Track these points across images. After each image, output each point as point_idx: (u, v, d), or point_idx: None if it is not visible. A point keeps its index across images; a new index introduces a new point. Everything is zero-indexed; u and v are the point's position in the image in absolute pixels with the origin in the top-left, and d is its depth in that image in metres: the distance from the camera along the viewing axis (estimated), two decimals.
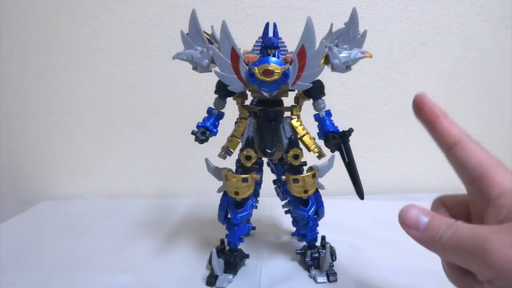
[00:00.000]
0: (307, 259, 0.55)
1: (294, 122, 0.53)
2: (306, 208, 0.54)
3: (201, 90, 0.88)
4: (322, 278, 0.53)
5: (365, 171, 0.60)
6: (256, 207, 0.59)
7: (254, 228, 0.67)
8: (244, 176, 0.52)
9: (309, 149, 0.53)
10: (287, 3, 0.85)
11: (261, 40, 0.49)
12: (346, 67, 0.50)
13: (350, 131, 0.50)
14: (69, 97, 0.91)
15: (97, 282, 0.55)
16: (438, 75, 0.89)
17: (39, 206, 0.88)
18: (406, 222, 0.30)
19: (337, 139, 0.50)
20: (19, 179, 0.96)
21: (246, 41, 0.53)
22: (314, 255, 0.55)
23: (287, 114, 0.54)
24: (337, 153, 0.52)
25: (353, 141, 0.51)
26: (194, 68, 0.51)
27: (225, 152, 0.54)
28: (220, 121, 0.53)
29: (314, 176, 0.53)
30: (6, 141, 0.94)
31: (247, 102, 0.56)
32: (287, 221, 0.65)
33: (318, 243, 0.57)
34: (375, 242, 0.63)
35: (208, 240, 0.63)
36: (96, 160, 0.94)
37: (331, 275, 0.53)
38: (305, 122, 0.53)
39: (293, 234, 0.61)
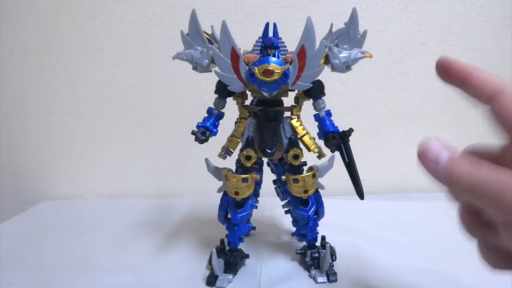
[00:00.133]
0: (307, 259, 0.55)
1: (294, 122, 0.53)
2: (306, 208, 0.54)
3: (201, 90, 0.88)
4: (322, 278, 0.53)
5: (365, 171, 0.60)
6: (256, 207, 0.59)
7: (254, 228, 0.67)
8: (244, 176, 0.52)
9: (309, 149, 0.53)
10: (287, 3, 0.85)
11: (261, 40, 0.49)
12: (346, 67, 0.50)
13: (350, 131, 0.50)
14: (69, 97, 0.91)
15: (97, 282, 0.55)
16: None
17: (39, 206, 0.88)
18: (426, 154, 0.27)
19: (337, 139, 0.50)
20: (19, 179, 0.96)
21: (246, 41, 0.53)
22: (314, 255, 0.55)
23: (287, 114, 0.54)
24: (337, 153, 0.52)
25: (353, 141, 0.51)
26: (194, 68, 0.51)
27: (225, 152, 0.54)
28: (220, 121, 0.53)
29: (314, 176, 0.53)
30: (6, 141, 0.94)
31: (247, 102, 0.56)
32: (287, 221, 0.65)
33: (318, 243, 0.57)
34: (375, 242, 0.63)
35: (208, 240, 0.63)
36: (96, 160, 0.94)
37: (331, 275, 0.53)
38: (305, 122, 0.53)
39: (293, 234, 0.61)
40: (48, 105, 0.92)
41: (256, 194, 0.58)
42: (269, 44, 0.48)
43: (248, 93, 0.54)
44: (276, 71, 0.46)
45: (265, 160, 0.58)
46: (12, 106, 0.92)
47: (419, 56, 0.88)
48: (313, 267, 0.55)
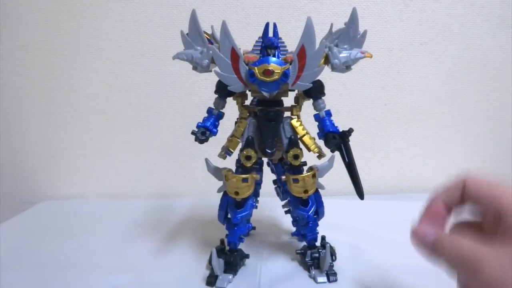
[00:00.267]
0: (307, 259, 0.55)
1: (294, 122, 0.53)
2: (306, 208, 0.54)
3: (201, 90, 0.88)
4: (322, 278, 0.53)
5: (365, 171, 0.60)
6: (256, 207, 0.59)
7: (254, 228, 0.67)
8: (244, 176, 0.52)
9: (309, 149, 0.53)
10: (287, 3, 0.85)
11: (261, 40, 0.49)
12: (346, 67, 0.50)
13: (350, 131, 0.50)
14: (69, 97, 0.91)
15: (97, 282, 0.55)
16: (438, 75, 0.89)
17: (39, 206, 0.88)
18: (415, 236, 0.34)
19: (337, 139, 0.50)
20: (19, 179, 0.96)
21: (246, 41, 0.53)
22: (314, 255, 0.55)
23: (287, 114, 0.54)
24: (337, 153, 0.52)
25: (353, 141, 0.51)
26: (194, 68, 0.51)
27: (225, 152, 0.54)
28: (220, 121, 0.53)
29: (314, 176, 0.53)
30: (6, 141, 0.94)
31: (247, 102, 0.56)
32: (287, 221, 0.65)
33: (318, 243, 0.57)
34: (375, 242, 0.63)
35: (208, 240, 0.63)
36: (96, 160, 0.94)
37: (331, 275, 0.53)
38: (305, 122, 0.53)
39: (293, 234, 0.61)
40: (48, 105, 0.92)
41: (256, 194, 0.58)
42: (269, 44, 0.48)
43: (248, 93, 0.54)
44: (276, 71, 0.46)
45: (265, 160, 0.58)
46: (12, 106, 0.92)
47: (419, 56, 0.88)
48: (313, 267, 0.55)
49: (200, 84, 0.87)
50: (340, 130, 0.51)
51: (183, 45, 0.51)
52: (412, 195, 0.88)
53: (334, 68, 0.49)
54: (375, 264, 0.57)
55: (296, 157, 0.51)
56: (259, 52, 0.49)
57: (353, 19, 0.48)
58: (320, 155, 0.53)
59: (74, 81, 0.90)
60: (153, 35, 0.87)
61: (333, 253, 0.56)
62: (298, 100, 0.55)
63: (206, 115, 0.53)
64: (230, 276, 0.53)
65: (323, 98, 0.52)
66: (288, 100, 0.54)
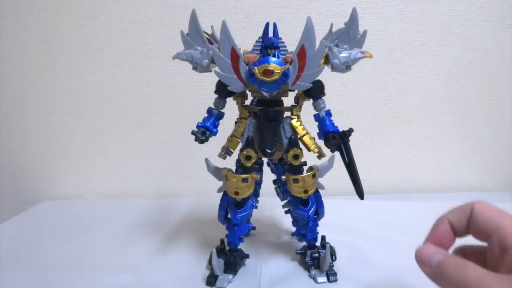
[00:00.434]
0: (307, 259, 0.55)
1: (294, 122, 0.53)
2: (306, 208, 0.54)
3: (201, 90, 0.88)
4: (322, 278, 0.53)
5: (365, 171, 0.60)
6: (256, 207, 0.59)
7: (254, 228, 0.67)
8: (244, 176, 0.52)
9: (309, 149, 0.53)
10: (287, 3, 0.85)
11: (261, 40, 0.49)
12: (346, 67, 0.50)
13: (350, 131, 0.50)
14: (69, 97, 0.91)
15: (97, 282, 0.55)
16: (438, 75, 0.89)
17: (39, 206, 0.88)
18: (420, 259, 0.34)
19: (337, 139, 0.50)
20: (19, 179, 0.96)
21: (246, 41, 0.53)
22: (314, 255, 0.55)
23: (287, 114, 0.54)
24: (337, 153, 0.52)
25: (353, 141, 0.51)
26: (194, 68, 0.51)
27: (225, 152, 0.54)
28: (220, 121, 0.53)
29: (314, 176, 0.53)
30: (6, 141, 0.94)
31: (247, 102, 0.56)
32: (287, 221, 0.65)
33: (318, 243, 0.57)
34: (375, 242, 0.63)
35: (208, 240, 0.63)
36: (96, 160, 0.94)
37: (331, 275, 0.53)
38: (305, 122, 0.53)
39: (293, 234, 0.61)
40: (48, 105, 0.92)
41: (256, 194, 0.58)
42: (269, 44, 0.48)
43: (248, 93, 0.54)
44: (276, 71, 0.46)
45: (265, 160, 0.58)
46: (12, 106, 0.92)
47: (419, 56, 0.88)
48: (313, 267, 0.54)
49: (200, 84, 0.87)
50: (340, 130, 0.51)
51: (183, 45, 0.51)
52: (412, 195, 0.88)
53: (334, 68, 0.49)
54: (375, 264, 0.57)
55: (296, 157, 0.51)
56: (259, 52, 0.49)
57: (353, 19, 0.48)
58: (320, 155, 0.53)
59: (74, 81, 0.90)
60: (153, 35, 0.87)
61: (333, 253, 0.56)
62: (298, 100, 0.55)
63: (206, 115, 0.53)
64: (230, 276, 0.53)
65: (323, 98, 0.52)
66: (288, 100, 0.54)
